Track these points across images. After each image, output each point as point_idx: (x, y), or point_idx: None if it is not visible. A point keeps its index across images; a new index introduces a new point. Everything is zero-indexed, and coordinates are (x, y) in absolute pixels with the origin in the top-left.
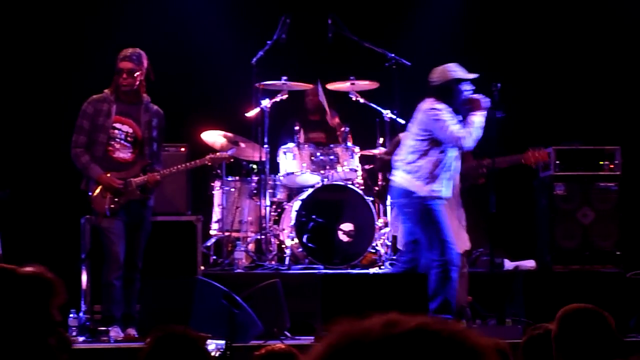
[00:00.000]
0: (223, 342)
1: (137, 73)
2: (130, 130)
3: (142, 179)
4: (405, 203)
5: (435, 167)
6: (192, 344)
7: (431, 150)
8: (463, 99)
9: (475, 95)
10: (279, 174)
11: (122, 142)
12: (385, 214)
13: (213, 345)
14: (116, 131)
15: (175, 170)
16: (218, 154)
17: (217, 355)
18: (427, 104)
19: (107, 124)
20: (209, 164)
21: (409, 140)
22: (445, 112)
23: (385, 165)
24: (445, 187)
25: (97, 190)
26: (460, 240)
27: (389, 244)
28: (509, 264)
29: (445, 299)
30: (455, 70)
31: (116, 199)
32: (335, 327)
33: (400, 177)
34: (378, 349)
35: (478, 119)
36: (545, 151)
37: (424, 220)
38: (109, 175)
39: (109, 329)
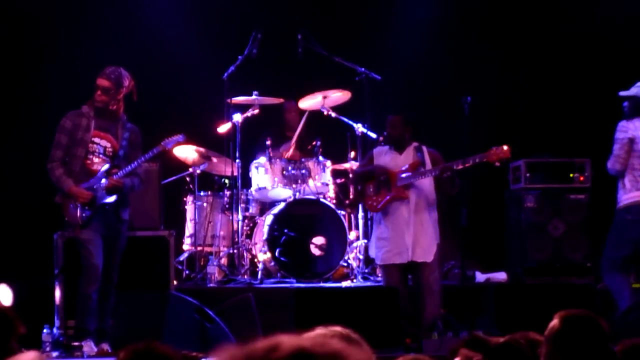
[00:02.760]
0: None
1: (113, 91)
2: (109, 145)
3: (107, 182)
4: None
5: None
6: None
7: None
8: None
9: None
10: (251, 189)
11: (102, 156)
12: (357, 227)
13: None
14: (95, 145)
15: (132, 168)
16: (170, 137)
17: None
18: None
19: (86, 138)
20: (163, 148)
21: None
22: None
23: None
24: None
25: (69, 202)
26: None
27: (361, 257)
28: (480, 277)
29: None
30: None
31: (86, 207)
32: (221, 352)
33: None
34: None
35: None
36: (507, 148)
37: None
38: (78, 187)
39: (82, 343)
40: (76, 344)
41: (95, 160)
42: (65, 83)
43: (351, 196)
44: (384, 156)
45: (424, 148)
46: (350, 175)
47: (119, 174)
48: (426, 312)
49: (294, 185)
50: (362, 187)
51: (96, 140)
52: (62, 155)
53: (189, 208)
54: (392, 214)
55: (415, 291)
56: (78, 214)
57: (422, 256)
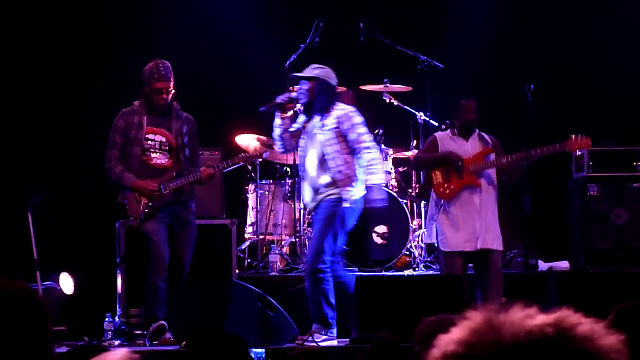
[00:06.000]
0: (262, 351)
1: (171, 87)
2: (164, 140)
3: (179, 181)
4: None
5: None
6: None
7: None
8: None
9: None
10: None
11: (159, 151)
12: (419, 216)
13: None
14: (150, 142)
15: (223, 168)
16: (250, 152)
17: None
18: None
19: (140, 136)
20: (242, 163)
21: None
22: None
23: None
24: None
25: (132, 198)
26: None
27: (424, 246)
28: (543, 265)
29: None
30: None
31: (150, 204)
32: (471, 316)
33: None
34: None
35: None
36: (588, 138)
37: None
38: (142, 180)
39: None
40: (138, 332)
41: (153, 155)
42: (125, 72)
43: (416, 185)
44: (450, 142)
45: (485, 135)
46: (412, 160)
47: (215, 167)
48: (492, 297)
49: None
50: (428, 173)
51: (150, 136)
52: (118, 155)
53: (251, 197)
54: (463, 201)
55: (478, 278)
56: (141, 209)
57: (495, 244)
